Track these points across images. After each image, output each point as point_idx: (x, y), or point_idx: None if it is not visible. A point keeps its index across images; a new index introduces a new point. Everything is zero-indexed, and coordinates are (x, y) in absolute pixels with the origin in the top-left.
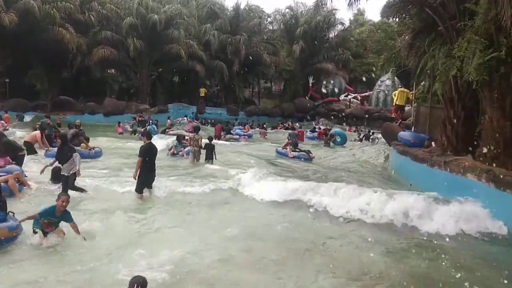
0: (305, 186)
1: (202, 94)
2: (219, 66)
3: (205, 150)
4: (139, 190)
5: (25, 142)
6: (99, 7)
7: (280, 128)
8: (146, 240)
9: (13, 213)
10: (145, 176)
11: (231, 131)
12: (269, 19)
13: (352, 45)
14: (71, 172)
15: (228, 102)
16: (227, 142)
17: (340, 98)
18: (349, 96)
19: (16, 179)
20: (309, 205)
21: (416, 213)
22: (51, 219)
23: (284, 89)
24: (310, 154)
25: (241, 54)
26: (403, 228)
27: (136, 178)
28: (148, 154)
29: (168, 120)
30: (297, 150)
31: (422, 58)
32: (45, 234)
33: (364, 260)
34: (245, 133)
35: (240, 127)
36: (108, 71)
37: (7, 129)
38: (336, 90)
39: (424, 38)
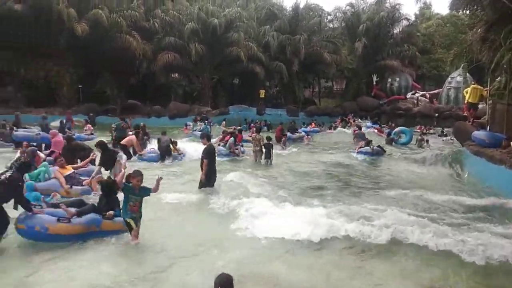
0: None
1: (262, 96)
2: (278, 66)
3: (264, 149)
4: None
5: (120, 145)
6: (163, 14)
7: (339, 123)
8: (218, 241)
9: None
10: (210, 177)
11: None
12: (329, 17)
13: (419, 41)
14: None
15: (288, 102)
16: (285, 151)
17: (407, 96)
18: (417, 94)
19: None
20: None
21: None
22: (133, 197)
23: (346, 88)
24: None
25: (300, 54)
26: None
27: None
28: (211, 155)
29: (223, 122)
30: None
31: (497, 52)
32: (135, 221)
33: None
34: (311, 129)
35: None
36: (172, 76)
37: (93, 134)
38: (402, 88)
39: (499, 30)
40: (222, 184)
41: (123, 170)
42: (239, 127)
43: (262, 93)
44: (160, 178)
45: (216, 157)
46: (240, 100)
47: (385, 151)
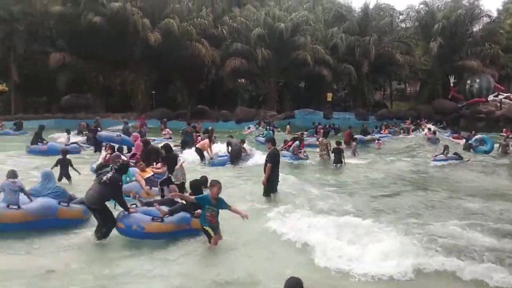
0: None
1: (329, 99)
2: (346, 69)
3: (333, 154)
4: (267, 194)
5: (196, 148)
6: (230, 20)
7: (409, 123)
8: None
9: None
10: (273, 181)
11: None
12: (401, 17)
13: (502, 38)
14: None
15: (357, 106)
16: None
17: (489, 99)
18: (500, 96)
19: None
20: None
21: None
22: (209, 208)
23: (420, 90)
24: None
25: (370, 55)
26: None
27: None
28: (275, 160)
29: (287, 126)
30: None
31: None
32: (214, 231)
33: None
34: (385, 135)
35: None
36: (239, 81)
37: (171, 138)
38: (483, 89)
39: None
40: (285, 193)
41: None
42: (305, 131)
43: (329, 96)
44: (246, 217)
45: (281, 161)
46: (306, 103)
47: (462, 158)
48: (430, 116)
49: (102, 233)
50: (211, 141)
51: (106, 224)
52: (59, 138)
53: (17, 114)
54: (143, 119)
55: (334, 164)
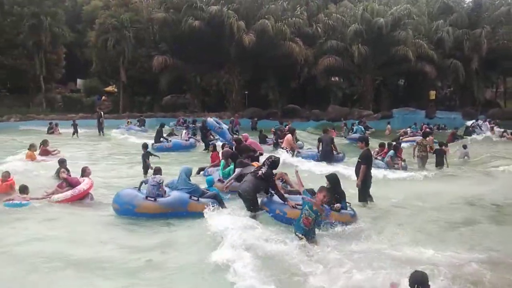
0: None
1: (432, 97)
2: (453, 65)
3: (435, 155)
4: (363, 199)
5: (282, 149)
6: (326, 18)
7: None
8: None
9: (349, 203)
10: (368, 184)
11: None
12: None
13: None
14: None
15: (464, 104)
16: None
17: None
18: None
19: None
20: None
21: None
22: (307, 211)
23: None
24: None
25: (481, 50)
26: None
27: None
28: (370, 161)
29: (388, 126)
30: None
31: None
32: (307, 237)
33: None
34: None
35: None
36: (332, 79)
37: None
38: None
39: None
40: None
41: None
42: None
43: (432, 94)
44: None
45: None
46: (406, 102)
47: None
48: None
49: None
50: (294, 138)
51: (251, 209)
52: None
53: (124, 113)
54: (237, 118)
55: (437, 167)
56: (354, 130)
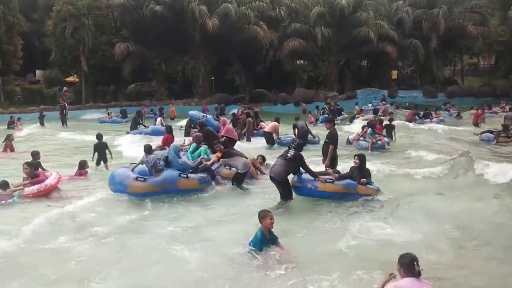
0: None
1: (394, 77)
2: (413, 44)
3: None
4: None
5: (265, 132)
6: (289, 1)
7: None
8: None
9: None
10: (335, 163)
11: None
12: None
13: None
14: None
15: (424, 83)
16: None
17: None
18: None
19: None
20: None
21: None
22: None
23: (496, 64)
24: None
25: (439, 29)
26: None
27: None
28: (336, 140)
29: (356, 107)
30: None
31: None
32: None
33: None
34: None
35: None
36: (297, 62)
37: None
38: None
39: None
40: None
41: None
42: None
43: (394, 74)
44: None
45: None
46: (369, 83)
47: None
48: (508, 92)
49: (282, 202)
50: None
51: (285, 194)
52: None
53: (87, 103)
54: (205, 105)
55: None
56: (321, 119)
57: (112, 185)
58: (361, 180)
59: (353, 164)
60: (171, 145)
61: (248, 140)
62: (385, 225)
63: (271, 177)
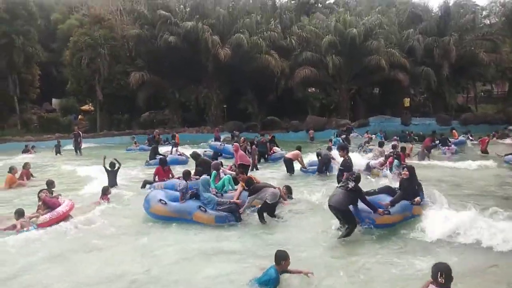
0: None
1: (407, 104)
2: (425, 72)
3: None
4: None
5: (285, 159)
6: (299, 30)
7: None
8: None
9: None
10: None
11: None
12: (484, 13)
13: None
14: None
15: (437, 111)
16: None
17: None
18: None
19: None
20: None
21: None
22: None
23: (510, 91)
24: None
25: (451, 56)
26: None
27: None
28: (350, 168)
29: (366, 134)
30: None
31: None
32: None
33: None
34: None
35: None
36: (309, 90)
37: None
38: None
39: None
40: None
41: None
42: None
43: (406, 101)
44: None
45: None
46: (381, 110)
47: None
48: None
49: (345, 233)
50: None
51: (348, 224)
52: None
53: (102, 131)
54: (217, 132)
55: None
56: (333, 142)
57: (144, 202)
58: (415, 200)
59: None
60: (201, 177)
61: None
62: None
63: (330, 206)
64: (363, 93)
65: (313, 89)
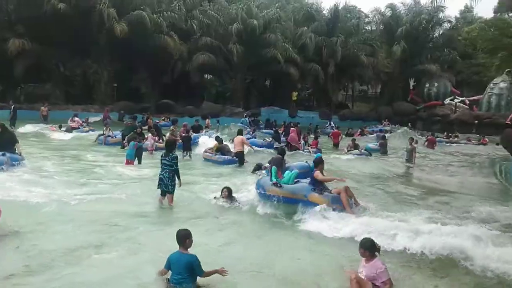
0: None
1: (294, 98)
2: (313, 69)
3: None
4: None
5: (236, 153)
6: (201, 15)
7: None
8: None
9: None
10: None
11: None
12: (367, 19)
13: (460, 45)
14: None
15: (320, 105)
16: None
17: (445, 102)
18: (456, 100)
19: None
20: None
21: None
22: None
23: (382, 92)
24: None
25: (337, 56)
26: None
27: None
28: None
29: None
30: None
31: None
32: None
33: None
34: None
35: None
36: (206, 76)
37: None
38: (441, 93)
39: None
40: None
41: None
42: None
43: (294, 95)
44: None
45: None
46: (272, 101)
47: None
48: (390, 117)
49: None
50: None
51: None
52: None
53: None
54: (107, 112)
55: None
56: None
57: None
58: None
59: None
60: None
61: None
62: None
63: None
64: (257, 84)
65: (210, 75)
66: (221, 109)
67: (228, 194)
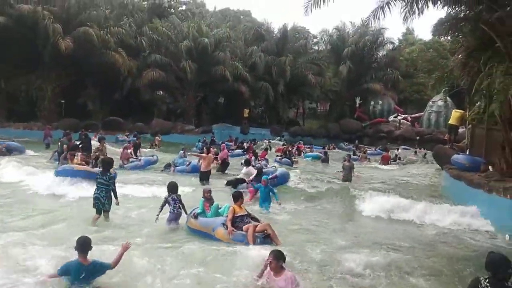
0: None
1: (246, 115)
2: (264, 87)
3: None
4: None
5: (201, 173)
6: (150, 32)
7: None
8: None
9: None
10: None
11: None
12: (315, 40)
13: (402, 65)
14: None
15: (272, 122)
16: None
17: (389, 119)
18: (399, 117)
19: None
20: None
21: None
22: None
23: (330, 110)
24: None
25: (286, 75)
26: None
27: None
28: None
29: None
30: None
31: (476, 78)
32: None
33: None
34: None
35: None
36: (157, 93)
37: None
38: (385, 111)
39: (478, 57)
40: None
41: None
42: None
43: (246, 112)
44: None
45: None
46: (224, 118)
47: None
48: (338, 134)
49: None
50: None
51: None
52: None
53: None
54: (49, 130)
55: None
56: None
57: None
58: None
59: None
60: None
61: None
62: None
63: None
64: (209, 101)
65: (161, 92)
66: (172, 126)
67: None
